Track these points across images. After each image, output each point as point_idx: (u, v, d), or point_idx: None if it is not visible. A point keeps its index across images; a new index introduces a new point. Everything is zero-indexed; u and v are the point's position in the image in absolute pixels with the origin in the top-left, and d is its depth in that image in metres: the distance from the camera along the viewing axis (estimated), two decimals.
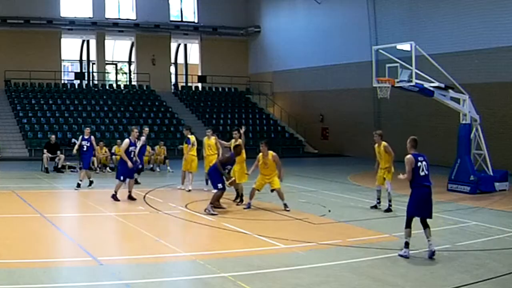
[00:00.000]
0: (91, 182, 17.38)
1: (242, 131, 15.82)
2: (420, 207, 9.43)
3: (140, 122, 32.54)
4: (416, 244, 10.28)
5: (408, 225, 9.43)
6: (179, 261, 9.32)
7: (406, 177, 9.44)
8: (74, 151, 18.36)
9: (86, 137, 17.82)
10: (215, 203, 13.18)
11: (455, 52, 24.38)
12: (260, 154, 13.89)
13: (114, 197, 14.53)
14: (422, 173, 9.40)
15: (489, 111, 22.20)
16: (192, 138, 17.37)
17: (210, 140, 16.75)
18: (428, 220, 9.50)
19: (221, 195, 13.47)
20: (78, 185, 16.89)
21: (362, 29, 30.31)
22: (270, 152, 13.82)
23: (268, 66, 38.76)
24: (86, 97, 34.24)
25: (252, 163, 14.22)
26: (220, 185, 13.28)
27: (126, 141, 15.03)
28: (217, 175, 13.45)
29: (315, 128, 35.01)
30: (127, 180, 14.91)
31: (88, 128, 18.73)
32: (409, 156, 9.47)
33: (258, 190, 14.05)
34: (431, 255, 9.35)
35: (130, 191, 14.89)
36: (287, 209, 13.67)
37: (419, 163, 9.41)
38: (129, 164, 14.59)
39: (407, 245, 9.36)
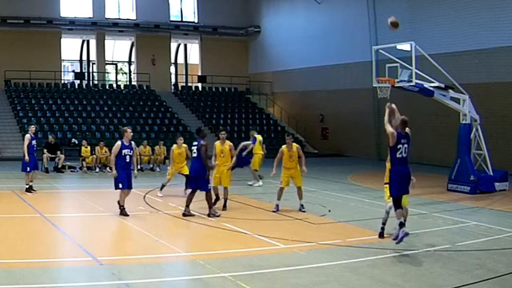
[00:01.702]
0: (30, 188, 16.03)
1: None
2: (400, 186, 9.64)
3: (140, 122, 32.63)
4: (417, 244, 10.31)
5: (399, 205, 9.61)
6: (179, 261, 9.33)
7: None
8: (26, 154, 16.22)
9: (33, 135, 16.42)
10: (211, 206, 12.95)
11: (455, 52, 24.38)
12: (284, 147, 13.88)
13: (123, 211, 12.63)
14: (399, 155, 9.58)
15: (489, 111, 22.18)
16: (259, 137, 19.03)
17: (181, 150, 16.19)
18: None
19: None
20: (29, 189, 15.93)
21: (362, 29, 30.31)
22: (294, 144, 14.02)
23: (268, 66, 38.77)
24: (86, 97, 34.25)
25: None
26: (210, 185, 12.96)
27: (118, 143, 12.83)
28: (204, 178, 12.74)
29: (315, 128, 35.02)
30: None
31: (33, 126, 17.10)
32: (394, 132, 9.64)
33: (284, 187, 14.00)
34: (395, 238, 9.60)
35: (122, 205, 12.76)
36: (303, 210, 13.72)
37: (400, 145, 9.56)
38: (114, 172, 12.68)
39: (401, 224, 9.46)
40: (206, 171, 12.76)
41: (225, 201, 13.91)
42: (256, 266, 8.74)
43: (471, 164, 17.85)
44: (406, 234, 9.42)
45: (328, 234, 11.18)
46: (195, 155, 13.01)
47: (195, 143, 13.10)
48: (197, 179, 12.80)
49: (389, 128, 9.69)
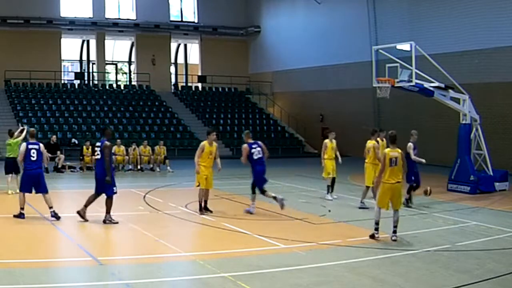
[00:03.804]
0: None
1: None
2: (256, 181, 13.06)
3: (140, 122, 32.63)
4: (416, 244, 10.32)
5: (253, 192, 13.17)
6: (179, 261, 9.32)
7: (242, 160, 13.10)
8: None
9: None
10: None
11: (455, 52, 24.38)
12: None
13: (20, 215, 12.21)
14: (255, 157, 12.92)
15: (489, 111, 22.18)
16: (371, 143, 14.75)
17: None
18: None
19: None
20: None
21: (362, 29, 30.32)
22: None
23: (268, 66, 38.76)
24: (86, 97, 34.25)
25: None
26: (115, 189, 12.05)
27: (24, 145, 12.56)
28: (113, 179, 12.07)
29: (315, 128, 35.00)
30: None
31: None
32: (244, 145, 13.03)
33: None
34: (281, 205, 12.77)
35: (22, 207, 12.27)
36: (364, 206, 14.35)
37: (253, 150, 12.95)
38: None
39: (253, 200, 13.19)
40: (112, 174, 12.02)
41: (206, 203, 13.30)
42: (256, 266, 8.74)
43: (471, 164, 17.85)
44: (250, 212, 13.12)
45: (328, 234, 11.18)
46: (98, 156, 12.07)
47: (98, 143, 12.19)
48: (103, 182, 11.93)
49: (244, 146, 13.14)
